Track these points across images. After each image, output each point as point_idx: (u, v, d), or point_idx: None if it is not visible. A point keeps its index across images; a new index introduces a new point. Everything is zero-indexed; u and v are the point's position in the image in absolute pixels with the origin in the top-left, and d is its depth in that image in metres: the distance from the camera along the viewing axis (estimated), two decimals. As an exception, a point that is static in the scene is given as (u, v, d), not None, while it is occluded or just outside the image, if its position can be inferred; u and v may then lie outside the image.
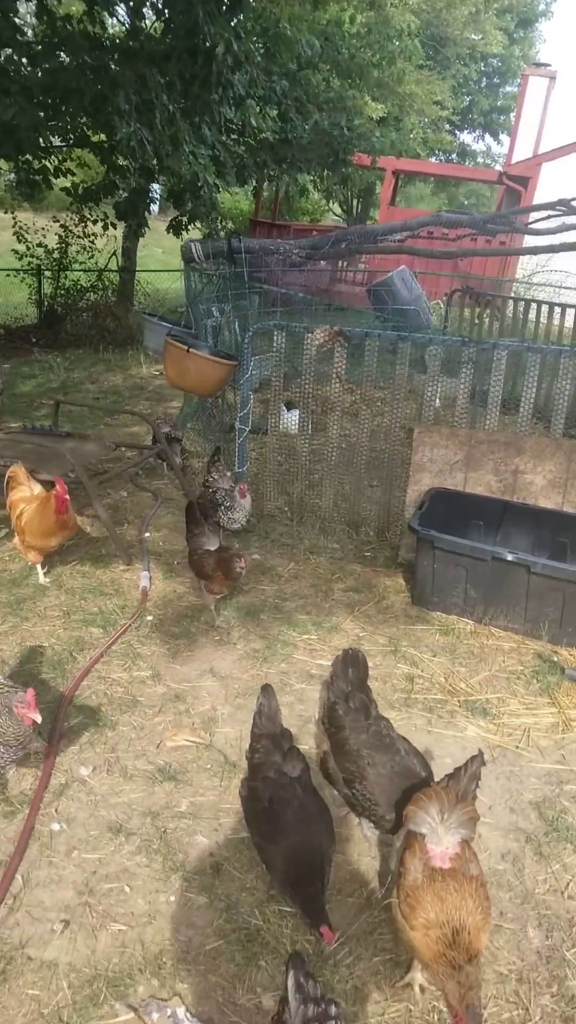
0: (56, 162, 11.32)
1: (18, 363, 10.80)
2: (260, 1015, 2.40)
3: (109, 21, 11.15)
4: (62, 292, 13.22)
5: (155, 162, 9.61)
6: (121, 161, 11.19)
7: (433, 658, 4.44)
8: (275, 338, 6.02)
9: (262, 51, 11.04)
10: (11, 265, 13.05)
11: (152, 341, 11.57)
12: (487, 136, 37.19)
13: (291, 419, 7.28)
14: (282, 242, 8.01)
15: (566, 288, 12.20)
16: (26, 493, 4.89)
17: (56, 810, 3.14)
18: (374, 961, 2.61)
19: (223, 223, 13.81)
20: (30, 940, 2.59)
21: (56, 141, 11.23)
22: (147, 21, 10.31)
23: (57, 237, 13.08)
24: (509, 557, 4.53)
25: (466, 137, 36.77)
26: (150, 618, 4.62)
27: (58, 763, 3.38)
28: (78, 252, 13.37)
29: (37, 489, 4.91)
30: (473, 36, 29.53)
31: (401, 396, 5.82)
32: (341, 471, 6.17)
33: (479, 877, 2.41)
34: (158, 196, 14.98)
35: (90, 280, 13.69)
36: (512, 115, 27.90)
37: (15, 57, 9.11)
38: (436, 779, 2.80)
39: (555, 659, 4.47)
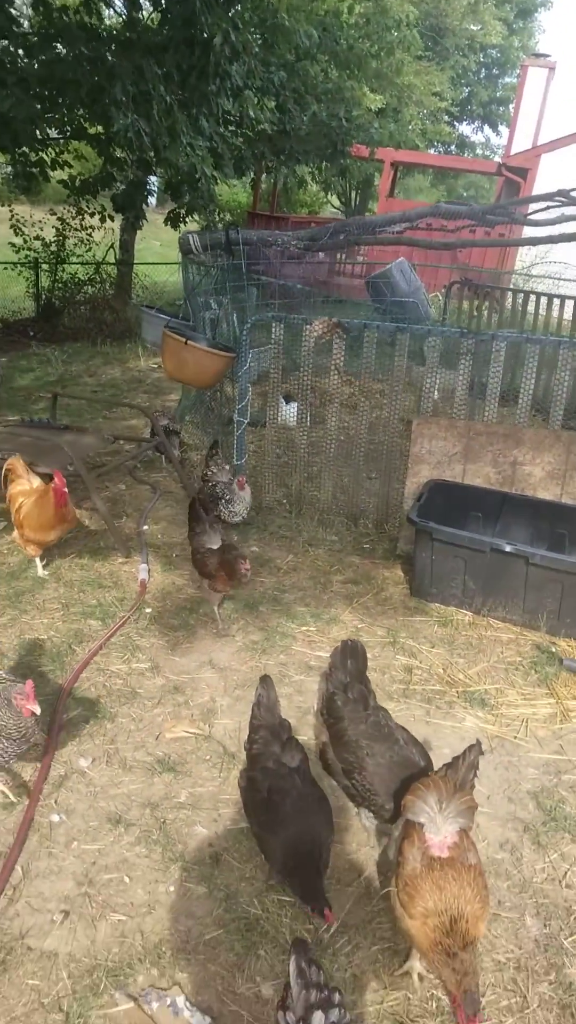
0: (53, 154, 11.27)
1: (16, 357, 10.78)
2: (259, 1004, 2.41)
3: (106, 12, 11.09)
4: (59, 285, 13.18)
5: (152, 154, 9.58)
6: (118, 153, 11.15)
7: (431, 649, 4.44)
8: (273, 330, 6.00)
9: (260, 42, 10.98)
10: (8, 258, 13.00)
11: (150, 333, 11.56)
12: (486, 127, 37.05)
13: (289, 412, 7.27)
14: (280, 234, 7.98)
15: (565, 280, 12.18)
16: (25, 486, 4.88)
17: (56, 801, 3.15)
18: (372, 950, 2.62)
19: (221, 215, 13.76)
20: (30, 930, 2.60)
21: (53, 133, 11.18)
22: (144, 12, 10.24)
23: (54, 230, 13.03)
24: (508, 548, 4.53)
25: (465, 128, 36.67)
26: (149, 610, 4.63)
27: (57, 755, 3.38)
28: (75, 245, 13.33)
29: (36, 482, 4.90)
30: (472, 27, 29.37)
31: (400, 388, 5.81)
32: (340, 463, 6.16)
33: (477, 866, 2.42)
34: (156, 188, 14.91)
35: (88, 273, 13.65)
36: (511, 106, 27.80)
37: (11, 48, 9.07)
38: (435, 768, 2.81)
39: (553, 650, 4.48)
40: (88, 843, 2.95)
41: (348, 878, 2.90)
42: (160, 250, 20.45)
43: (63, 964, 2.49)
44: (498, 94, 34.54)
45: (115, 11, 11.05)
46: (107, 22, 11.55)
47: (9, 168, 11.36)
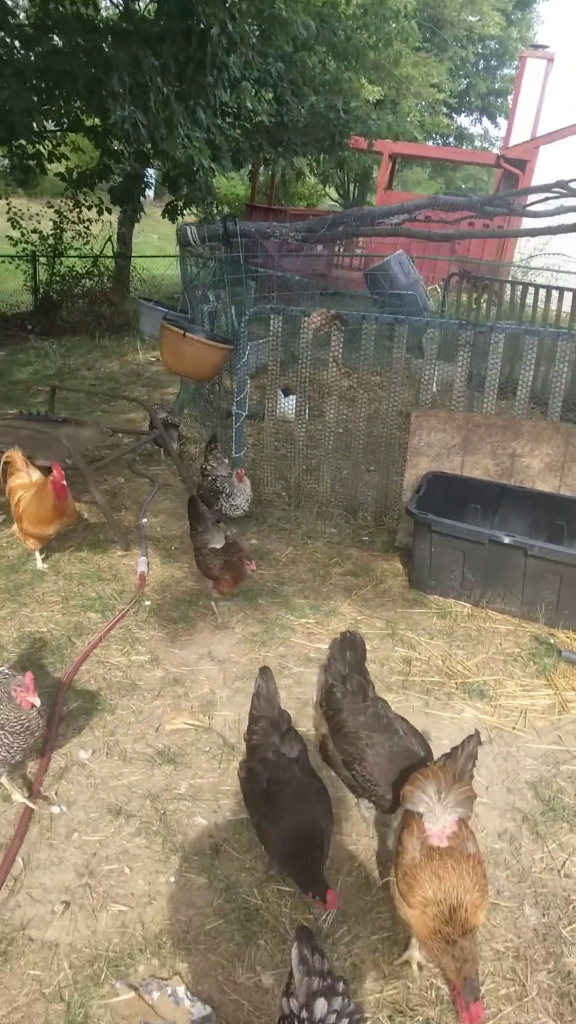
0: (50, 147, 11.23)
1: (14, 350, 10.76)
2: (260, 993, 2.42)
3: (102, 3, 11.04)
4: (57, 279, 13.15)
5: (150, 146, 9.54)
6: (116, 145, 11.11)
7: (430, 641, 4.45)
8: (272, 322, 5.99)
9: (257, 33, 10.90)
10: (6, 252, 12.97)
11: (148, 326, 11.53)
12: (485, 119, 36.92)
13: (288, 404, 7.26)
14: (278, 225, 7.95)
15: (564, 272, 12.15)
16: (24, 480, 4.88)
17: (56, 793, 3.16)
18: (372, 939, 2.63)
19: (219, 208, 13.69)
20: (31, 921, 2.61)
21: (50, 125, 11.14)
22: (140, 3, 10.20)
23: (51, 223, 12.99)
24: (506, 540, 4.53)
25: (463, 120, 36.53)
26: (148, 603, 4.63)
27: (57, 747, 3.39)
28: (73, 238, 13.30)
29: (36, 476, 4.90)
30: (470, 18, 29.23)
31: (398, 381, 5.80)
32: (338, 456, 6.16)
33: (476, 855, 2.43)
34: (153, 181, 14.86)
35: (85, 267, 13.62)
36: (510, 98, 27.65)
37: (7, 40, 9.02)
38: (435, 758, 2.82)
39: (552, 641, 4.49)
40: (89, 834, 2.96)
41: (347, 868, 2.91)
42: (158, 243, 20.39)
43: (64, 954, 2.50)
44: (496, 85, 34.39)
45: (111, 2, 11.01)
46: (103, 13, 11.51)
47: (6, 161, 11.32)
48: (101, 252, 13.82)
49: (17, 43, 9.14)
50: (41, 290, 12.94)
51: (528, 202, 8.09)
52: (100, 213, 12.53)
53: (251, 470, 6.08)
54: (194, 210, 12.09)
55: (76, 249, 13.44)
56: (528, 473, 5.32)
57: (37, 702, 2.89)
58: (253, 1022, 2.33)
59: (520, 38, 32.13)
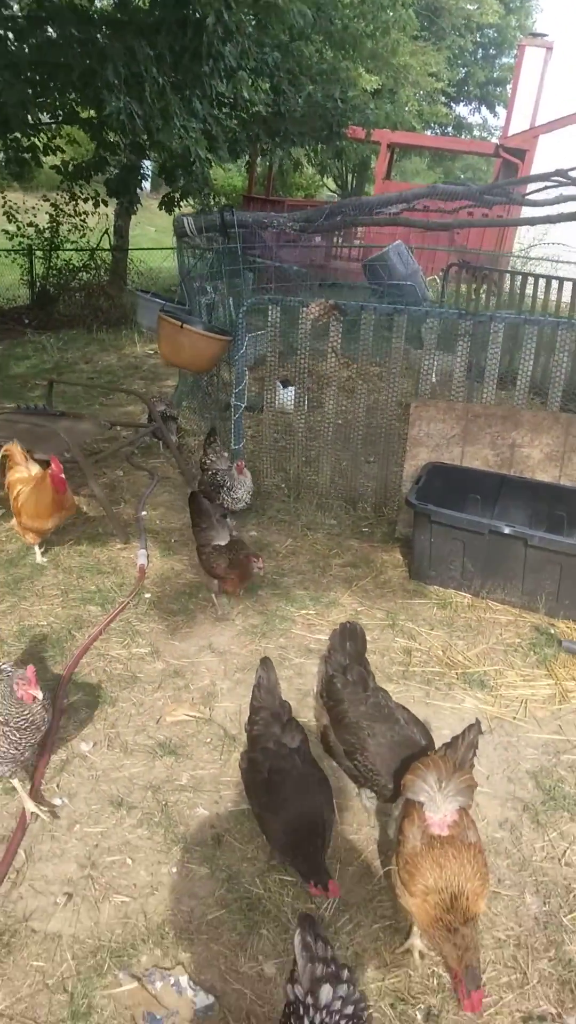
0: (45, 139, 11.16)
1: (11, 345, 10.73)
2: (262, 982, 2.43)
3: (97, -7, 10.96)
4: (54, 272, 13.09)
5: (145, 137, 9.48)
6: (111, 137, 11.04)
7: (431, 631, 4.45)
8: (270, 313, 5.97)
9: (253, 22, 10.82)
10: (2, 245, 12.92)
11: (145, 318, 11.49)
12: (483, 108, 36.71)
13: (287, 396, 7.24)
14: (276, 215, 7.92)
15: (563, 262, 12.11)
16: (23, 474, 4.86)
17: (57, 785, 3.16)
18: (374, 928, 2.64)
19: (216, 199, 13.63)
20: (33, 913, 2.61)
21: (45, 118, 11.07)
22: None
23: (48, 216, 12.93)
24: (506, 530, 4.53)
25: (462, 110, 36.33)
26: (148, 596, 4.63)
27: (59, 739, 3.39)
28: (69, 231, 13.23)
29: (35, 470, 4.88)
30: (468, 6, 29.03)
31: (397, 371, 5.78)
32: (338, 447, 6.15)
33: (477, 844, 2.43)
34: (149, 173, 14.78)
35: (82, 260, 13.55)
36: (509, 87, 27.51)
37: (1, 32, 8.95)
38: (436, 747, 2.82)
39: (552, 631, 4.49)
40: (90, 826, 2.97)
41: (349, 858, 2.92)
42: (155, 236, 20.31)
43: (67, 945, 2.51)
44: (495, 74, 34.18)
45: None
46: (98, 4, 11.42)
47: (1, 154, 11.26)
48: (98, 245, 13.76)
49: (11, 35, 9.07)
50: (38, 284, 12.88)
51: (527, 191, 8.06)
52: (96, 206, 12.47)
53: (250, 462, 6.07)
54: (191, 202, 12.04)
55: (73, 242, 13.38)
56: (528, 463, 5.31)
57: (39, 695, 2.88)
58: (256, 1011, 2.34)
59: (519, 26, 31.90)
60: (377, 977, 2.47)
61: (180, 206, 12.20)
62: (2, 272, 13.89)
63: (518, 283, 11.12)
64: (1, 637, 4.09)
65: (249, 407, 6.60)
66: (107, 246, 13.93)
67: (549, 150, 18.35)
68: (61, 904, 2.64)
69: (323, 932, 1.87)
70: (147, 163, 13.08)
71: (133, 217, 13.60)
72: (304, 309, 5.80)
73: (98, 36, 8.71)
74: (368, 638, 3.41)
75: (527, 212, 8.68)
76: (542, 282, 10.64)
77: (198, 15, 8.39)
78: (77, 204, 12.80)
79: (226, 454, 5.75)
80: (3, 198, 12.41)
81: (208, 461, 5.63)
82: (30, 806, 2.96)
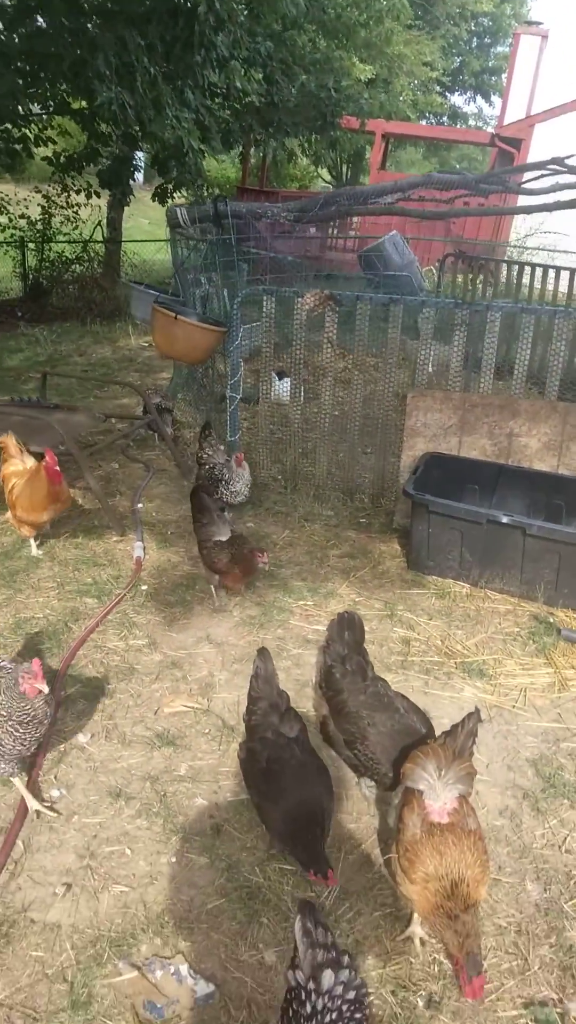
0: (36, 130, 11.08)
1: (4, 337, 10.67)
2: (263, 970, 2.43)
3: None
4: (47, 264, 13.03)
5: (137, 128, 9.42)
6: (103, 128, 10.97)
7: (429, 621, 4.44)
8: (264, 304, 5.94)
9: (245, 11, 10.75)
10: (-6, 238, 12.85)
11: (139, 310, 11.44)
12: (478, 98, 36.54)
13: (283, 388, 7.21)
14: (270, 206, 7.88)
15: (560, 251, 12.08)
16: (18, 467, 4.83)
17: (55, 777, 3.15)
18: (374, 916, 2.63)
19: (209, 190, 13.55)
20: (32, 903, 2.60)
21: (36, 108, 10.99)
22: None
23: (40, 208, 12.85)
24: (504, 520, 4.52)
25: (457, 99, 36.16)
26: (145, 587, 4.61)
27: (56, 731, 3.38)
28: (62, 223, 13.17)
29: (30, 462, 4.85)
30: (462, -6, 28.87)
31: (394, 362, 5.76)
32: (335, 439, 6.13)
33: (477, 831, 2.43)
34: (142, 164, 14.69)
35: (75, 252, 13.49)
36: (504, 76, 27.40)
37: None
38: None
39: (551, 620, 4.48)
40: (89, 817, 2.96)
41: (349, 846, 2.91)
42: (148, 228, 20.21)
43: (66, 935, 2.50)
44: (490, 63, 33.99)
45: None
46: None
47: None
48: (91, 237, 13.69)
49: (0, 25, 8.99)
50: (30, 276, 12.80)
51: (523, 179, 8.02)
52: (89, 197, 12.40)
53: (247, 454, 6.04)
54: (184, 193, 11.98)
55: (65, 234, 13.31)
56: (526, 452, 5.29)
57: (45, 688, 2.84)
58: (256, 999, 2.34)
59: (513, 15, 31.69)
60: (378, 964, 2.47)
61: (173, 197, 12.14)
62: (-5, 265, 13.83)
63: (515, 273, 11.09)
64: (-3, 630, 4.08)
65: (245, 399, 6.57)
66: (100, 238, 13.85)
67: (545, 139, 18.28)
68: (60, 894, 2.63)
69: (323, 919, 1.86)
70: (139, 154, 13.00)
71: (126, 209, 13.52)
72: (299, 300, 5.77)
73: (88, 25, 8.64)
74: (366, 628, 3.40)
75: (523, 201, 8.65)
76: (539, 271, 10.61)
77: (189, 4, 8.33)
78: (69, 196, 12.73)
79: (222, 448, 5.72)
80: (-5, 190, 12.34)
81: (205, 455, 5.60)
82: (33, 804, 2.94)
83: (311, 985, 1.71)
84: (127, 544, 5.08)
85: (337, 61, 13.43)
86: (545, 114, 19.35)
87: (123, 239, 14.25)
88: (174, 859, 2.80)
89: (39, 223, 12.87)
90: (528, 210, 7.68)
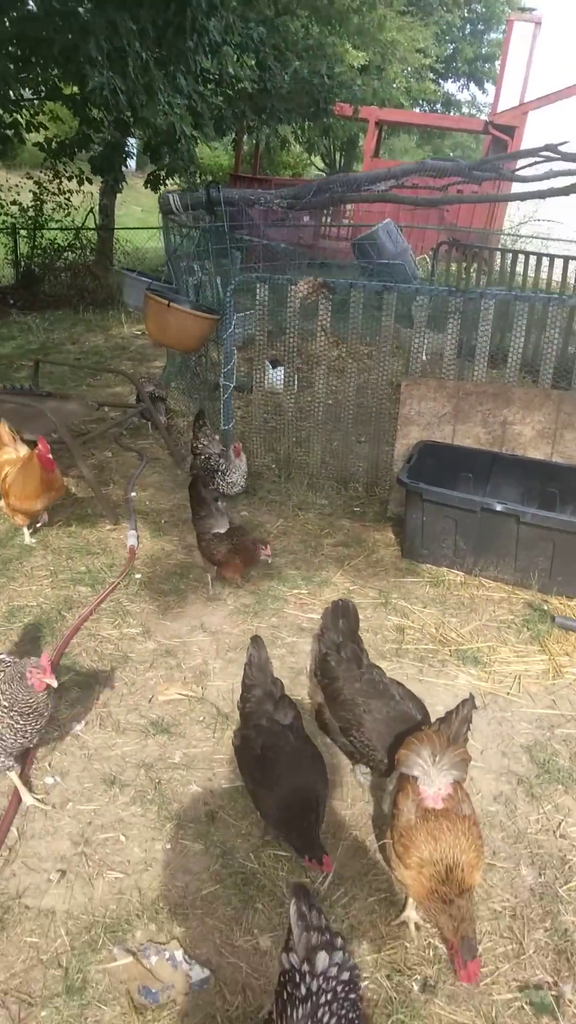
0: (28, 116, 10.96)
1: (-4, 326, 10.60)
2: (258, 955, 2.43)
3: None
4: (39, 252, 12.92)
5: (129, 113, 9.31)
6: (95, 113, 10.85)
7: (424, 609, 4.44)
8: (258, 291, 5.90)
9: (237, -4, 10.65)
10: (-15, 225, 12.74)
11: (132, 298, 11.37)
12: (472, 85, 36.27)
13: (276, 376, 7.19)
14: (263, 192, 7.82)
15: (553, 239, 12.05)
16: (12, 455, 4.80)
17: (49, 764, 3.14)
18: (369, 901, 2.64)
19: (202, 177, 13.47)
20: (27, 890, 2.60)
21: (27, 94, 10.87)
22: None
23: (31, 195, 12.74)
24: (498, 508, 4.52)
25: (450, 86, 35.91)
26: (139, 576, 4.59)
27: (51, 719, 3.36)
28: (54, 210, 13.05)
29: (23, 451, 4.82)
30: (456, -20, 28.66)
31: (387, 350, 5.73)
32: (328, 427, 6.11)
33: (472, 816, 2.43)
34: (135, 151, 14.56)
35: (67, 239, 13.38)
36: (497, 63, 27.24)
37: (-20, 6, 8.75)
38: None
39: (545, 608, 4.49)
40: (83, 804, 2.96)
41: (343, 833, 2.92)
42: (141, 215, 20.09)
43: (61, 922, 2.50)
44: (483, 50, 33.75)
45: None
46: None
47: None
48: (83, 224, 13.58)
49: (-10, 9, 8.87)
50: (22, 263, 12.71)
51: (517, 167, 7.99)
52: (80, 184, 12.29)
53: (240, 443, 6.02)
54: (177, 180, 11.88)
55: (57, 221, 13.21)
56: (520, 441, 5.28)
57: (54, 683, 2.80)
58: (251, 984, 2.34)
59: (507, 1, 31.48)
60: (373, 949, 2.48)
61: (166, 184, 12.03)
62: (-14, 252, 13.71)
63: (508, 261, 11.06)
64: (-9, 618, 4.06)
65: (238, 387, 6.55)
66: (92, 225, 13.75)
67: (538, 126, 18.18)
68: (55, 881, 2.63)
69: (317, 902, 1.86)
70: (132, 141, 12.88)
71: (119, 196, 13.42)
72: (292, 288, 5.74)
73: (79, 9, 8.52)
74: (361, 617, 3.39)
75: (517, 188, 8.61)
76: (532, 259, 10.58)
77: (182, -12, 8.22)
78: (61, 182, 12.61)
79: (217, 438, 5.69)
80: (-14, 176, 12.22)
81: (200, 445, 5.56)
82: (29, 799, 2.92)
83: (305, 967, 1.71)
84: (120, 533, 5.06)
85: (330, 47, 13.33)
86: (538, 101, 19.25)
87: (115, 226, 14.14)
88: (169, 846, 2.80)
89: (31, 210, 12.76)
90: (522, 197, 7.65)
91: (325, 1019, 1.71)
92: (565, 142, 7.42)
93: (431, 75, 30.08)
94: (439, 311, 6.18)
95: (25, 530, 4.85)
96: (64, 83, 10.53)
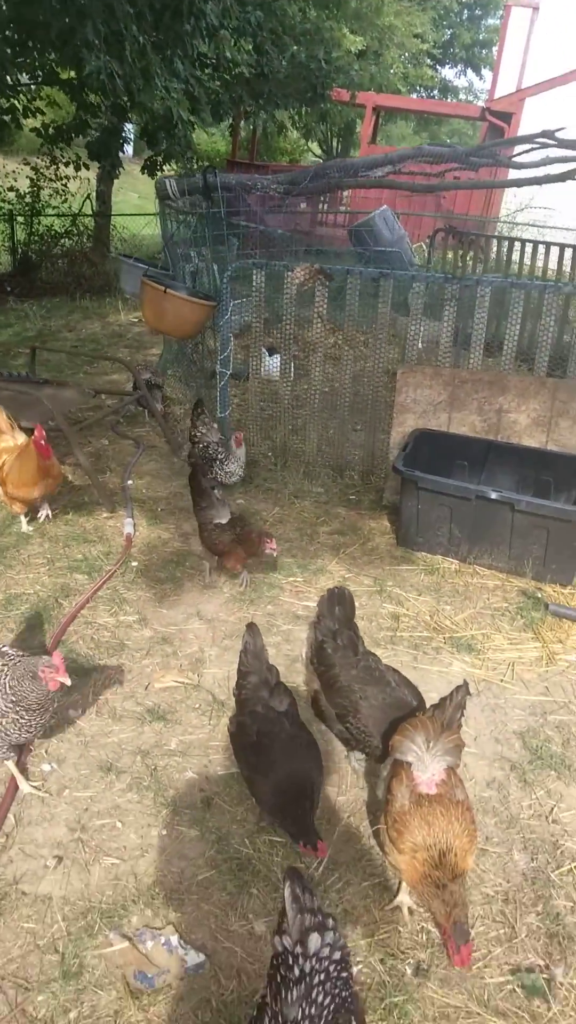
0: (25, 101, 10.87)
1: (-8, 313, 10.54)
2: (252, 940, 2.45)
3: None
4: (36, 238, 12.83)
5: (126, 98, 9.25)
6: (92, 98, 10.77)
7: (418, 597, 4.46)
8: (255, 278, 5.88)
9: (234, -21, 10.54)
10: (-19, 211, 12.64)
11: (129, 284, 11.32)
12: (469, 71, 36.14)
13: (273, 364, 7.17)
14: (260, 177, 7.78)
15: (549, 227, 12.00)
16: (9, 443, 4.79)
17: (46, 751, 3.16)
18: (363, 886, 2.66)
19: (199, 163, 13.36)
20: (24, 876, 2.62)
21: (24, 79, 10.77)
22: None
23: (28, 181, 12.64)
24: (493, 496, 4.52)
25: (448, 72, 35.74)
26: (135, 564, 4.60)
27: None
28: (51, 196, 12.96)
29: (20, 438, 4.81)
30: (455, -36, 28.42)
31: (384, 337, 5.72)
32: (325, 415, 6.10)
33: (465, 802, 2.45)
34: (131, 136, 14.46)
35: (64, 226, 13.29)
36: (494, 49, 27.01)
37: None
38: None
39: (539, 595, 4.51)
40: (80, 791, 2.97)
41: (338, 818, 2.94)
42: (138, 202, 19.92)
43: (57, 907, 2.52)
44: (481, 36, 33.58)
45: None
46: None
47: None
48: (80, 210, 13.49)
49: (-15, -8, 8.78)
50: (19, 250, 12.62)
51: (513, 153, 7.95)
52: (78, 169, 12.20)
53: (237, 430, 6.02)
54: (174, 165, 11.80)
55: (54, 208, 13.11)
56: (515, 429, 5.29)
57: (68, 682, 2.80)
58: (246, 968, 2.37)
59: (505, -14, 31.25)
60: (367, 933, 2.50)
61: (163, 170, 11.96)
62: (-18, 239, 13.61)
63: (505, 248, 11.02)
64: (-13, 606, 4.06)
65: (235, 375, 6.53)
66: (89, 212, 13.66)
67: (536, 113, 18.06)
68: (51, 867, 2.65)
69: (309, 885, 1.89)
70: (129, 126, 12.78)
71: (116, 183, 13.33)
72: (289, 274, 5.71)
73: (76, -8, 8.43)
74: (356, 604, 3.40)
75: (514, 175, 8.57)
76: (529, 247, 10.55)
77: (178, -29, 8.15)
78: (58, 168, 12.51)
79: (215, 426, 5.68)
80: (-19, 162, 12.12)
81: (199, 434, 5.54)
82: (26, 788, 2.93)
83: (298, 949, 1.73)
84: (117, 520, 5.06)
85: (327, 32, 13.23)
86: (536, 87, 19.12)
87: (112, 213, 14.05)
88: (164, 832, 2.82)
89: (28, 196, 12.66)
90: (518, 183, 7.61)
91: (319, 999, 1.73)
92: (562, 128, 7.38)
93: (428, 60, 29.90)
94: (435, 298, 6.17)
95: (22, 518, 4.85)
96: (61, 68, 10.45)
